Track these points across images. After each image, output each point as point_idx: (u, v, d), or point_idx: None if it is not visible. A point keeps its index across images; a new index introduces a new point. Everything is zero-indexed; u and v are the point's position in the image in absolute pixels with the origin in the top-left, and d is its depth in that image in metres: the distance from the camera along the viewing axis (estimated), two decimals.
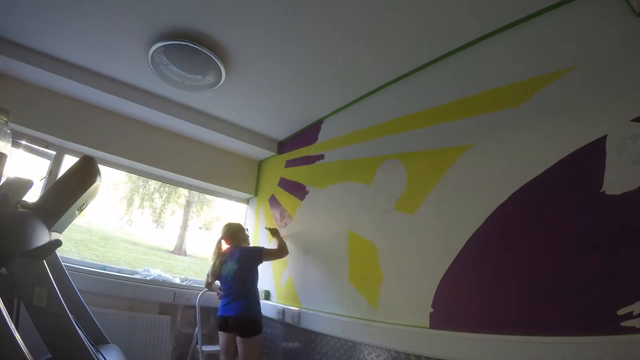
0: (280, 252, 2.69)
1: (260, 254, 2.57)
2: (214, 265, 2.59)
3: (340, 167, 2.56)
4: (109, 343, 2.05)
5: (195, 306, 2.79)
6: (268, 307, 2.73)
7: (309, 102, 2.69)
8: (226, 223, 2.78)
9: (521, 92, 1.61)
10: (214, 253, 2.66)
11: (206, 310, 2.95)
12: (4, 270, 1.32)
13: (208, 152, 3.38)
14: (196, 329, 2.76)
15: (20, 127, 2.44)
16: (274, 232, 2.90)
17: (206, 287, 2.71)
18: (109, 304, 2.56)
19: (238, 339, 2.35)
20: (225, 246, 2.71)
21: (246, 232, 2.81)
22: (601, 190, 1.26)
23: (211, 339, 2.94)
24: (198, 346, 2.68)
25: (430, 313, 1.71)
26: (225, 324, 2.41)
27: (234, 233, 2.70)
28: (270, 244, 2.98)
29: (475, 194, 1.67)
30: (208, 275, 2.65)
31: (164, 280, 2.95)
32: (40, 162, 2.65)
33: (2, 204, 1.29)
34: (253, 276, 2.52)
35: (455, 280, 1.66)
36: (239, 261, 2.51)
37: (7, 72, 2.42)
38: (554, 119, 1.47)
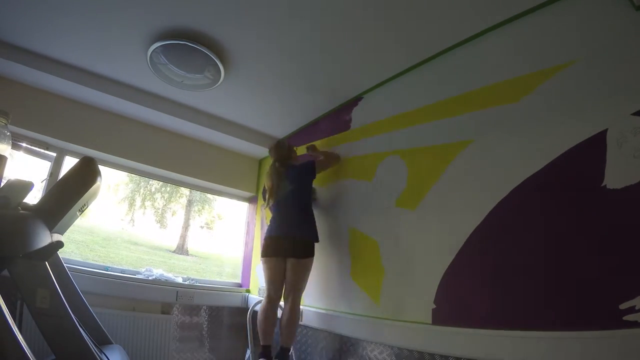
0: (330, 159, 2.48)
1: (313, 167, 2.39)
2: (270, 189, 2.40)
3: (341, 164, 2.56)
4: (112, 343, 2.06)
5: (203, 307, 2.77)
6: None
7: (309, 100, 2.69)
8: (276, 143, 2.60)
9: (521, 87, 1.60)
10: (270, 176, 2.43)
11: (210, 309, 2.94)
12: (6, 272, 1.32)
13: (208, 151, 3.38)
14: (247, 352, 2.51)
15: (21, 130, 2.44)
16: (313, 149, 2.67)
17: (270, 208, 2.46)
18: (111, 305, 2.57)
19: (292, 261, 2.18)
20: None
21: (295, 152, 2.63)
22: (602, 185, 1.26)
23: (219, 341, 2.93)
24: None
25: (433, 309, 1.71)
26: (276, 246, 2.24)
27: (287, 154, 2.52)
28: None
29: (476, 190, 1.67)
30: (266, 200, 2.44)
31: (166, 280, 2.96)
32: (40, 164, 2.66)
33: (3, 206, 1.29)
34: (308, 194, 2.41)
35: (457, 276, 1.66)
36: (294, 180, 2.36)
37: (6, 75, 2.41)
38: (555, 114, 1.47)
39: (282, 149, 2.51)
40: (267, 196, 2.43)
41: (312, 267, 2.48)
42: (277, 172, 2.41)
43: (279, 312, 2.30)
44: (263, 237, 2.36)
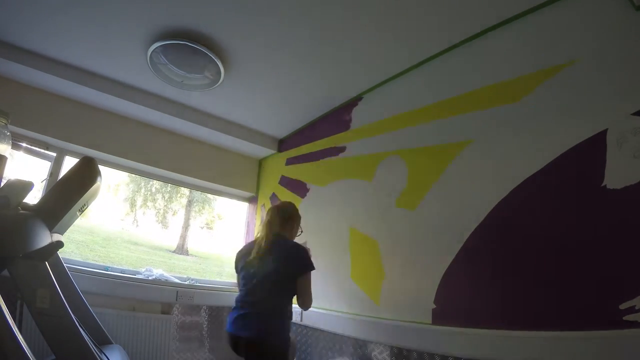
0: (308, 298, 1.77)
1: (298, 276, 1.75)
2: (240, 258, 1.92)
3: (341, 164, 2.56)
4: (112, 343, 2.06)
5: (203, 306, 2.77)
6: None
7: (309, 100, 2.69)
8: (287, 201, 2.10)
9: (522, 87, 1.60)
10: (259, 237, 1.87)
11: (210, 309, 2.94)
12: (6, 272, 1.32)
13: (208, 151, 3.37)
14: None
15: (20, 130, 2.44)
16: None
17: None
18: (111, 305, 2.56)
19: None
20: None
21: (298, 221, 2.04)
22: (602, 185, 1.26)
23: (220, 341, 2.94)
24: None
25: (433, 309, 1.71)
26: (235, 349, 1.75)
27: (290, 220, 1.95)
28: None
29: (476, 190, 1.67)
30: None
31: (166, 280, 2.96)
32: (40, 164, 2.66)
33: (3, 206, 1.29)
34: (288, 292, 1.76)
35: (457, 276, 1.66)
36: (279, 262, 1.75)
37: (6, 75, 2.41)
38: (555, 114, 1.47)
39: (289, 211, 1.99)
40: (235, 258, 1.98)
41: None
42: (268, 226, 1.88)
43: None
44: None
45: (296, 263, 1.77)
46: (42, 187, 2.58)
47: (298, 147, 3.09)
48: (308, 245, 2.45)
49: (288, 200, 2.57)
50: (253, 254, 1.81)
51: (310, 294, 1.77)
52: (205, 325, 2.97)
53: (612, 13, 1.37)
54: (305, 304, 1.76)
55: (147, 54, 2.14)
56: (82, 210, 1.69)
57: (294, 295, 1.78)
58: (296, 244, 1.88)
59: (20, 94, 2.48)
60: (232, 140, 3.25)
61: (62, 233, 1.66)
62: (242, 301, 1.78)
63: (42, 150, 2.64)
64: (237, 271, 1.94)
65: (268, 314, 1.71)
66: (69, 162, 2.70)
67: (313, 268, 1.79)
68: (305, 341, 2.41)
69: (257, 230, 1.99)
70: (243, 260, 1.87)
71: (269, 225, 1.89)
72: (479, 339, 1.47)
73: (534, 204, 1.45)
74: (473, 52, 1.88)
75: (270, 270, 1.74)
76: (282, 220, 1.93)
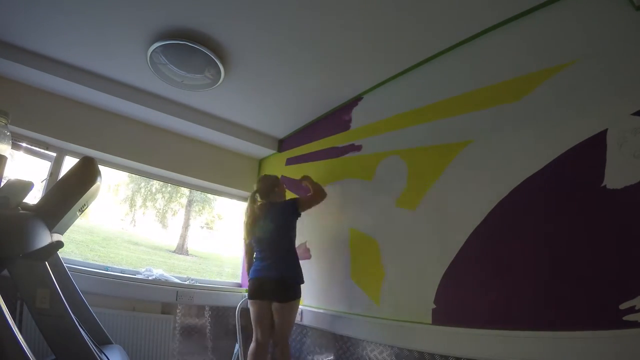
0: (316, 196, 2.37)
1: (296, 205, 2.31)
2: (246, 225, 2.34)
3: (341, 164, 2.56)
4: (112, 343, 2.06)
5: (203, 306, 2.76)
6: None
7: (309, 100, 2.69)
8: (262, 176, 2.54)
9: (521, 87, 1.60)
10: (247, 210, 2.37)
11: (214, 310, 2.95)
12: (6, 272, 1.32)
13: (208, 151, 3.37)
14: (236, 346, 2.59)
15: (20, 130, 2.44)
16: (305, 179, 2.54)
17: (247, 254, 2.45)
18: (111, 305, 2.56)
19: (276, 305, 2.10)
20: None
21: (282, 187, 2.53)
22: (602, 185, 1.26)
23: (222, 341, 2.93)
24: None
25: (433, 309, 1.71)
26: (260, 289, 2.15)
27: (270, 188, 2.42)
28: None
29: (476, 190, 1.67)
30: (244, 241, 2.42)
31: (166, 280, 2.96)
32: (41, 164, 2.66)
33: (3, 206, 1.29)
34: (291, 234, 2.29)
35: (457, 276, 1.66)
36: (274, 219, 2.28)
37: (6, 75, 2.41)
38: (555, 113, 1.47)
39: (265, 183, 2.44)
40: (244, 235, 2.39)
41: (314, 266, 2.49)
42: (256, 207, 2.37)
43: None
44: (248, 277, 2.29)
45: (286, 210, 2.32)
46: (42, 187, 2.58)
47: (298, 147, 3.09)
48: (308, 245, 2.52)
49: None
50: (256, 221, 2.31)
51: (312, 196, 2.37)
52: (205, 325, 2.96)
53: (612, 13, 1.37)
54: (322, 193, 2.40)
55: (147, 54, 2.14)
56: (82, 210, 1.68)
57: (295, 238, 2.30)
58: (277, 202, 2.38)
59: (20, 94, 2.47)
60: (232, 140, 3.25)
61: (62, 233, 1.66)
62: (262, 254, 2.26)
63: (42, 150, 2.64)
64: (249, 237, 2.35)
65: (285, 258, 2.21)
66: (69, 162, 2.70)
67: (298, 198, 2.36)
68: (305, 341, 2.41)
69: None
70: (252, 228, 2.32)
71: (253, 198, 2.40)
72: (479, 339, 1.47)
73: (534, 204, 1.45)
74: (473, 52, 1.88)
75: (274, 225, 2.25)
76: (265, 194, 2.40)
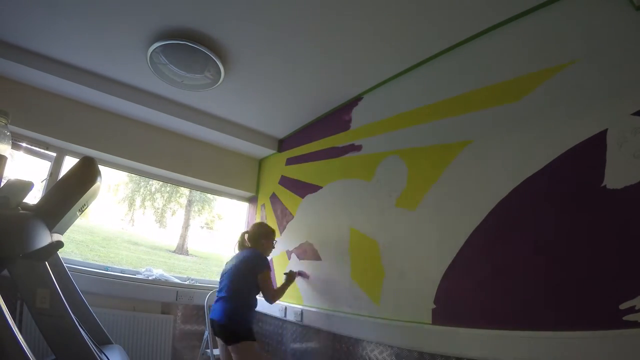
0: (269, 294, 2.31)
1: (256, 274, 2.29)
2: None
3: (341, 164, 2.56)
4: (112, 343, 2.06)
5: (203, 306, 2.78)
6: (270, 305, 2.73)
7: (309, 99, 2.69)
8: (259, 222, 2.66)
9: (521, 87, 1.60)
10: (238, 241, 2.58)
11: None
12: (6, 272, 1.32)
13: (208, 151, 3.38)
14: (206, 332, 2.70)
15: (21, 129, 2.44)
16: (289, 277, 2.57)
17: None
18: (111, 305, 2.57)
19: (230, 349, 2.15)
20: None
21: (274, 242, 2.57)
22: (602, 185, 1.26)
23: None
24: (208, 350, 2.59)
25: (433, 309, 1.71)
26: (213, 328, 2.29)
27: (257, 238, 2.51)
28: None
29: (476, 190, 1.67)
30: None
31: (166, 280, 2.96)
32: (41, 164, 2.66)
33: (3, 206, 1.29)
34: (247, 285, 2.28)
35: (457, 276, 1.66)
36: (240, 263, 2.34)
37: (6, 75, 2.41)
38: (555, 113, 1.47)
39: (257, 233, 2.52)
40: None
41: (313, 267, 2.49)
42: (239, 244, 2.56)
43: None
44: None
45: (252, 261, 2.34)
46: (42, 187, 2.58)
47: (298, 147, 3.09)
48: (312, 241, 2.62)
49: (288, 199, 2.57)
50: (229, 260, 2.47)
51: (271, 289, 2.33)
52: (205, 325, 2.96)
53: (612, 13, 1.37)
54: (267, 297, 2.31)
55: (147, 54, 2.14)
56: (82, 210, 1.68)
57: (254, 288, 2.29)
58: (256, 251, 2.43)
59: (20, 94, 2.48)
60: (232, 140, 3.26)
61: (62, 233, 1.66)
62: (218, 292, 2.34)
63: (42, 150, 2.64)
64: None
65: (233, 303, 2.22)
66: (69, 162, 2.71)
67: (268, 268, 2.34)
68: (305, 341, 2.42)
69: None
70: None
71: (240, 244, 2.57)
72: (479, 339, 1.47)
73: (534, 204, 1.45)
74: (473, 52, 1.88)
75: (233, 268, 2.34)
76: (252, 239, 2.51)
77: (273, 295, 2.32)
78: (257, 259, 2.36)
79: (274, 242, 2.57)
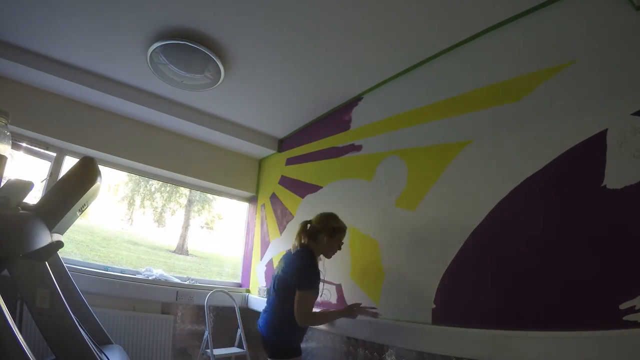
0: (300, 312, 1.76)
1: (295, 287, 1.79)
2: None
3: (341, 164, 2.56)
4: (112, 343, 2.06)
5: (203, 306, 2.78)
6: None
7: (309, 100, 2.69)
8: (327, 213, 2.03)
9: (521, 87, 1.60)
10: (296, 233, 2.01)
11: (214, 310, 2.95)
12: (6, 272, 1.32)
13: (208, 151, 3.38)
14: (206, 332, 2.70)
15: (20, 130, 2.44)
16: (347, 310, 2.00)
17: None
18: (111, 305, 2.57)
19: None
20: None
21: (340, 243, 2.01)
22: (602, 185, 1.26)
23: (223, 342, 2.94)
24: (208, 350, 2.58)
25: (432, 309, 1.71)
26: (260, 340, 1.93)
27: (316, 232, 1.96)
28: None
29: (476, 190, 1.67)
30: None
31: (166, 280, 2.96)
32: (41, 164, 2.66)
33: (3, 206, 1.29)
34: (291, 297, 1.79)
35: (457, 277, 1.66)
36: (287, 267, 1.90)
37: (6, 75, 2.41)
38: (555, 113, 1.47)
39: (317, 218, 2.01)
40: None
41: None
42: (297, 237, 1.99)
43: None
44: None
45: (294, 275, 1.83)
46: (42, 187, 2.58)
47: (298, 147, 3.09)
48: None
49: (288, 199, 2.54)
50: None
51: (305, 310, 1.77)
52: (205, 325, 2.96)
53: (612, 13, 1.37)
54: (297, 317, 1.77)
55: (147, 54, 2.14)
56: (82, 210, 1.69)
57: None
58: (303, 256, 1.88)
59: (20, 94, 2.48)
60: (232, 140, 3.26)
61: (62, 233, 1.66)
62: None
63: (42, 150, 2.64)
64: None
65: (274, 315, 1.88)
66: (69, 162, 2.70)
67: (309, 288, 1.80)
68: (305, 341, 2.41)
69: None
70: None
71: (297, 235, 1.99)
72: (479, 339, 1.47)
73: (534, 204, 1.45)
74: (473, 52, 1.88)
75: (279, 276, 1.91)
76: (306, 232, 1.97)
77: (307, 316, 1.80)
78: (302, 270, 1.83)
79: (341, 243, 2.02)
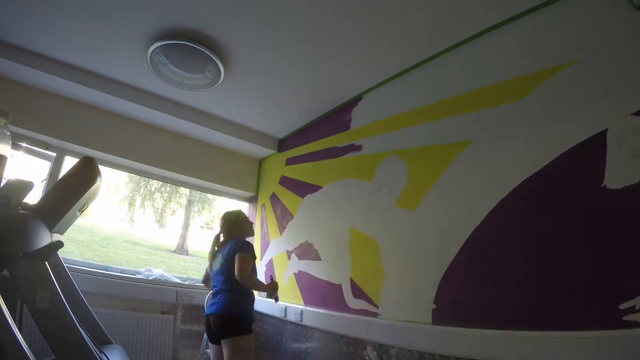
0: (242, 272, 2.11)
1: (235, 254, 2.17)
2: (209, 259, 2.40)
3: (341, 164, 2.56)
4: (112, 343, 2.06)
5: (203, 306, 2.78)
6: (271, 305, 2.73)
7: (309, 100, 2.69)
8: (221, 216, 2.51)
9: (521, 87, 1.60)
10: (211, 244, 2.44)
11: None
12: (6, 272, 1.32)
13: (208, 150, 3.37)
14: (205, 336, 2.68)
15: (20, 129, 2.44)
16: (271, 285, 2.42)
17: (203, 282, 2.52)
18: (111, 305, 2.57)
19: (223, 343, 2.05)
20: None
21: (246, 222, 2.49)
22: (602, 185, 1.26)
23: None
24: (208, 350, 2.55)
25: (433, 309, 1.71)
26: (208, 326, 2.17)
27: (229, 226, 2.43)
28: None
29: (476, 190, 1.67)
30: (206, 271, 2.45)
31: (166, 280, 2.96)
32: (41, 164, 2.66)
33: (3, 206, 1.29)
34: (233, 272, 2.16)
35: (457, 276, 1.66)
36: (226, 255, 2.25)
37: (6, 74, 2.41)
38: (555, 113, 1.46)
39: (228, 221, 2.44)
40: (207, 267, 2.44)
41: (313, 267, 2.48)
42: (215, 241, 2.43)
43: None
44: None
45: (235, 248, 2.21)
46: (42, 187, 2.58)
47: (298, 147, 3.09)
48: (312, 241, 2.59)
49: (288, 199, 2.54)
50: (214, 256, 2.38)
51: (244, 269, 2.12)
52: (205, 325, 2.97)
53: (612, 13, 1.37)
54: (237, 276, 2.11)
55: (147, 54, 2.14)
56: (82, 210, 1.69)
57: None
58: (234, 239, 2.32)
59: (20, 94, 2.48)
60: (232, 140, 3.26)
61: (62, 233, 1.66)
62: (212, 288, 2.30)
63: (42, 150, 2.64)
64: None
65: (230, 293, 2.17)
66: (69, 162, 2.70)
67: (247, 251, 2.20)
68: (305, 341, 2.41)
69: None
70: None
71: (220, 233, 2.45)
72: (479, 339, 1.47)
73: (534, 204, 1.45)
74: (473, 52, 1.88)
75: (223, 262, 2.24)
76: (226, 233, 2.42)
77: (246, 276, 2.13)
78: (238, 243, 2.25)
79: (247, 220, 2.50)
